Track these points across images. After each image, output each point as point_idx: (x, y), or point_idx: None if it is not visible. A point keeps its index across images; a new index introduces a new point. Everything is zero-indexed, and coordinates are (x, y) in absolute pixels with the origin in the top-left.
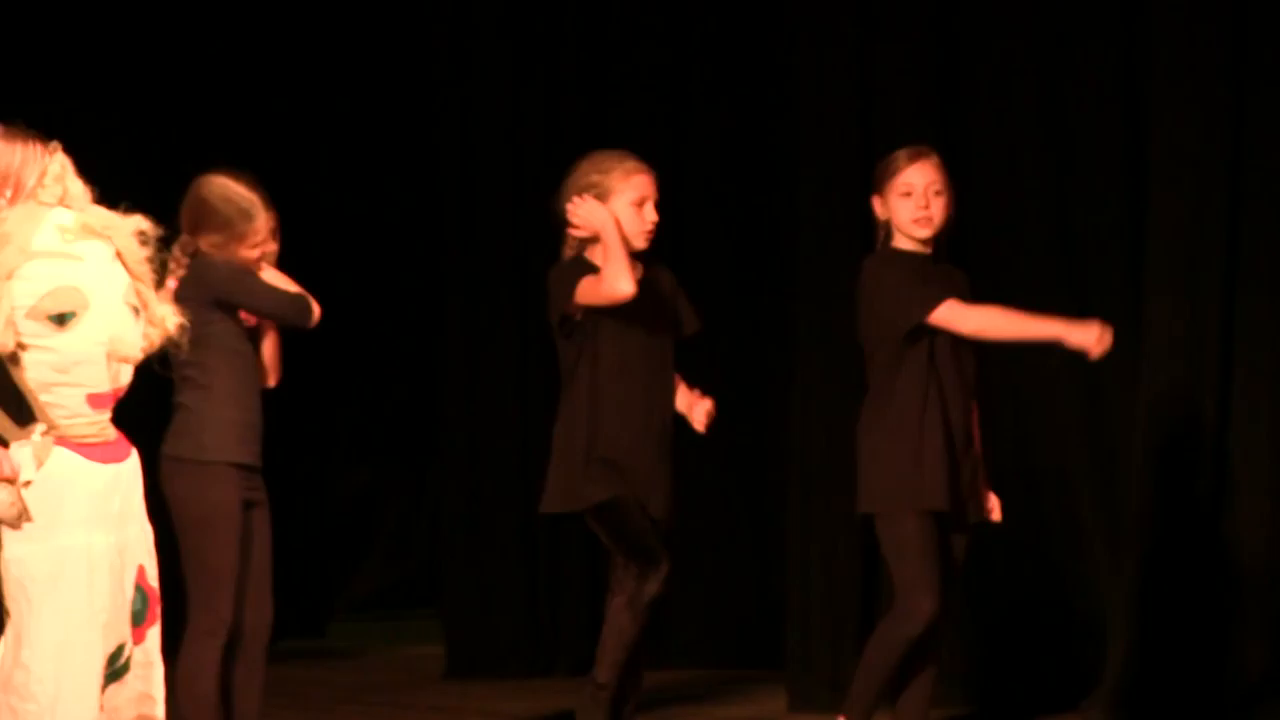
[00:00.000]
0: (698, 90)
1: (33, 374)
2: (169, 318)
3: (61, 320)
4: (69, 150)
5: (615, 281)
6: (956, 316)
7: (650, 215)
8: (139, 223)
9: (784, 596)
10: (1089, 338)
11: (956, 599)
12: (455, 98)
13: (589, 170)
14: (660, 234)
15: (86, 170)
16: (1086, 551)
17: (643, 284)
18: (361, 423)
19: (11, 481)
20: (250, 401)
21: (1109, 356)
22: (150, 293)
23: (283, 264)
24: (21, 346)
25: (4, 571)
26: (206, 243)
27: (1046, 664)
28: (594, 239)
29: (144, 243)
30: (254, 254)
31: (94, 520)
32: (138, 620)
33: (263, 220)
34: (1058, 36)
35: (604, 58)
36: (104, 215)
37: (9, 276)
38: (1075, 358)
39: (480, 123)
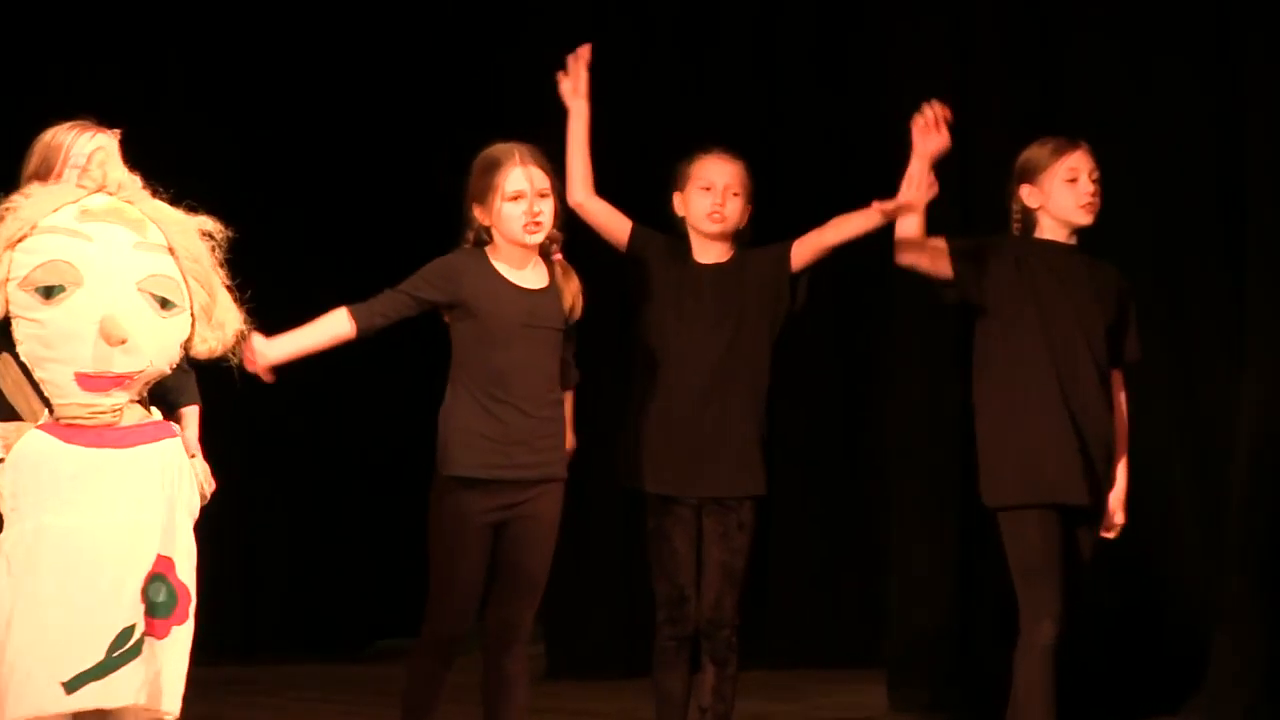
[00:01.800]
0: (789, 84)
1: (24, 348)
2: (231, 324)
3: (49, 293)
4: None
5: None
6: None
7: (716, 198)
8: (203, 222)
9: (884, 594)
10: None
11: (1082, 603)
12: (536, 93)
13: (685, 164)
14: (763, 225)
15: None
16: (1186, 553)
17: (724, 269)
18: None
19: None
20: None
21: (1210, 358)
22: (215, 295)
23: (381, 258)
24: (13, 317)
25: None
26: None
27: (1146, 666)
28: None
29: (213, 247)
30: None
31: (62, 503)
32: (158, 613)
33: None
34: (1152, 46)
35: (696, 54)
36: (158, 208)
37: (10, 246)
38: (1175, 355)
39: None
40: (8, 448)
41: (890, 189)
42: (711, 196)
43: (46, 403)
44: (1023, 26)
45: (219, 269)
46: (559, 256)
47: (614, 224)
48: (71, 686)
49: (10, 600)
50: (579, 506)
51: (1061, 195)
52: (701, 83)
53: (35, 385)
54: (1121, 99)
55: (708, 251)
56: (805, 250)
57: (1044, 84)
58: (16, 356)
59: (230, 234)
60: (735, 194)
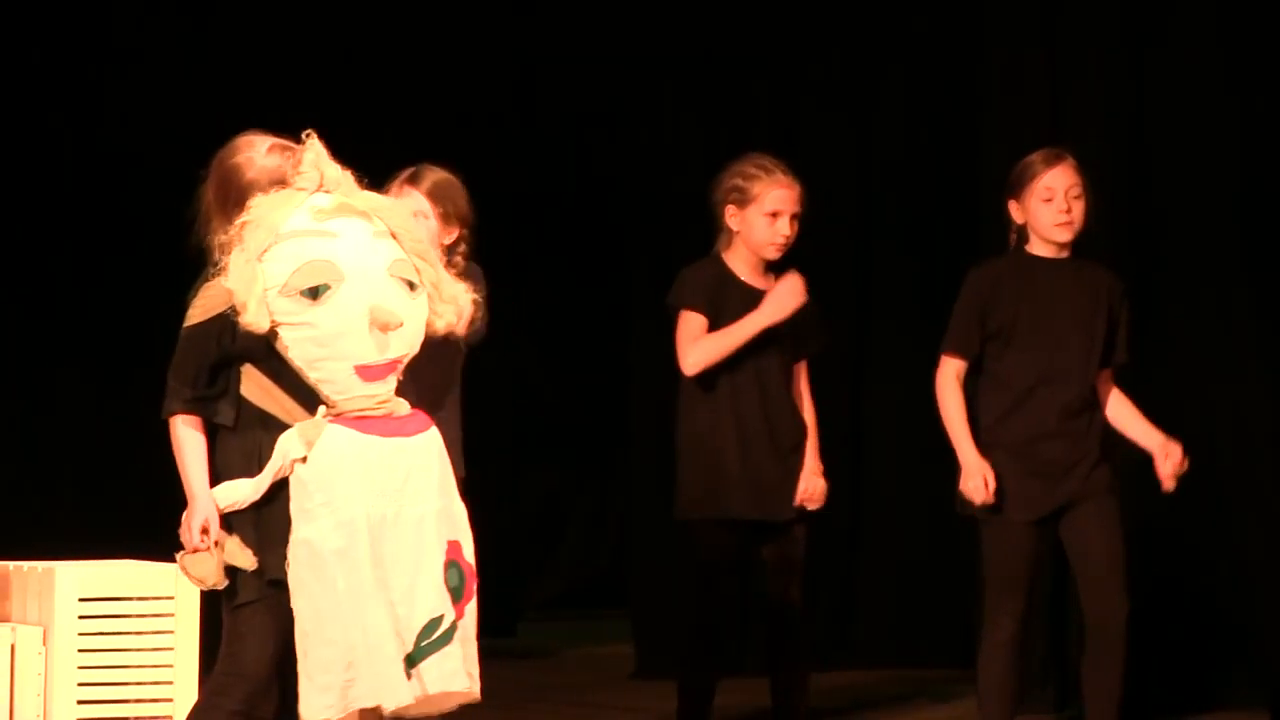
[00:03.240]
0: (885, 99)
1: (296, 352)
2: (462, 295)
3: (315, 294)
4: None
5: (689, 357)
6: (939, 380)
7: (783, 229)
8: (415, 203)
9: (975, 593)
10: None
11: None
12: (640, 97)
13: (735, 174)
14: (848, 231)
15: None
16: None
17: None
18: (550, 421)
19: (217, 543)
20: None
21: None
22: (438, 271)
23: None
24: (278, 325)
25: (293, 556)
26: None
27: (1234, 662)
28: (731, 239)
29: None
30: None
31: (373, 494)
32: (457, 597)
33: None
34: (1250, 40)
35: (792, 69)
36: (371, 198)
37: (259, 258)
38: (1267, 364)
39: (664, 118)
40: (309, 444)
41: (973, 199)
42: (777, 226)
43: (304, 404)
44: (1116, 34)
45: (434, 247)
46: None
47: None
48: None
49: (354, 588)
50: (666, 510)
51: (1039, 213)
52: (795, 103)
53: (284, 388)
54: (1214, 107)
55: (759, 274)
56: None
57: (1138, 90)
58: (263, 368)
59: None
60: (796, 216)
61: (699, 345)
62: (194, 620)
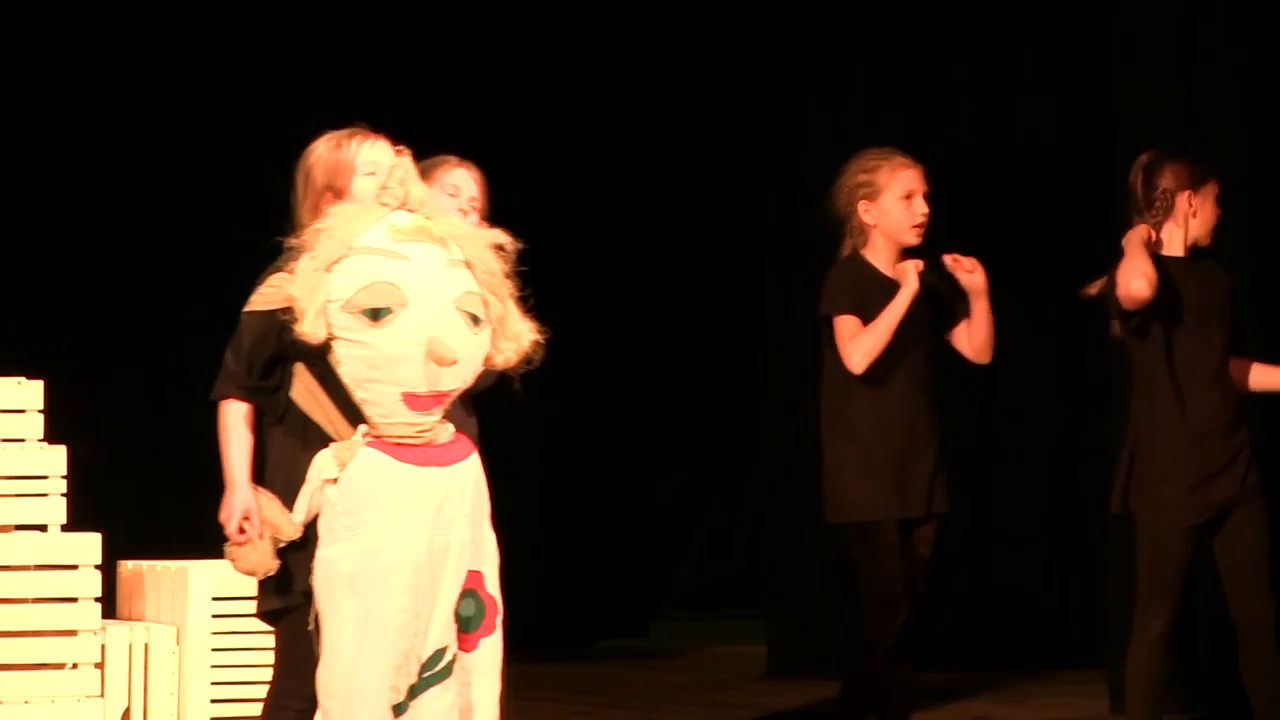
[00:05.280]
0: (1017, 99)
1: (346, 369)
2: (525, 334)
3: (376, 315)
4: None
5: (853, 357)
6: None
7: (920, 208)
8: (495, 236)
9: (1105, 592)
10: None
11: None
12: (769, 102)
13: (857, 171)
14: (977, 234)
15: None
16: None
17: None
18: (684, 423)
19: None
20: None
21: None
22: (506, 306)
23: (601, 274)
24: (334, 339)
25: (315, 572)
26: None
27: None
28: (868, 236)
29: (503, 257)
30: None
31: (399, 522)
32: (468, 627)
33: None
34: None
35: (919, 70)
36: (452, 223)
37: (327, 268)
38: None
39: (793, 124)
40: (342, 465)
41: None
42: (914, 206)
43: (348, 415)
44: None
45: (508, 280)
46: None
47: None
48: (399, 710)
49: (358, 618)
50: (801, 508)
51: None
52: (921, 101)
53: (332, 396)
54: None
55: (892, 265)
56: None
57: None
58: (315, 371)
59: (521, 245)
60: (927, 195)
61: (857, 344)
62: None
